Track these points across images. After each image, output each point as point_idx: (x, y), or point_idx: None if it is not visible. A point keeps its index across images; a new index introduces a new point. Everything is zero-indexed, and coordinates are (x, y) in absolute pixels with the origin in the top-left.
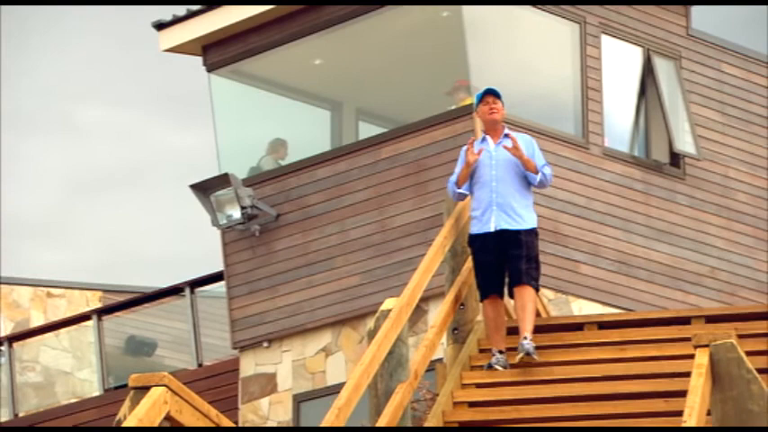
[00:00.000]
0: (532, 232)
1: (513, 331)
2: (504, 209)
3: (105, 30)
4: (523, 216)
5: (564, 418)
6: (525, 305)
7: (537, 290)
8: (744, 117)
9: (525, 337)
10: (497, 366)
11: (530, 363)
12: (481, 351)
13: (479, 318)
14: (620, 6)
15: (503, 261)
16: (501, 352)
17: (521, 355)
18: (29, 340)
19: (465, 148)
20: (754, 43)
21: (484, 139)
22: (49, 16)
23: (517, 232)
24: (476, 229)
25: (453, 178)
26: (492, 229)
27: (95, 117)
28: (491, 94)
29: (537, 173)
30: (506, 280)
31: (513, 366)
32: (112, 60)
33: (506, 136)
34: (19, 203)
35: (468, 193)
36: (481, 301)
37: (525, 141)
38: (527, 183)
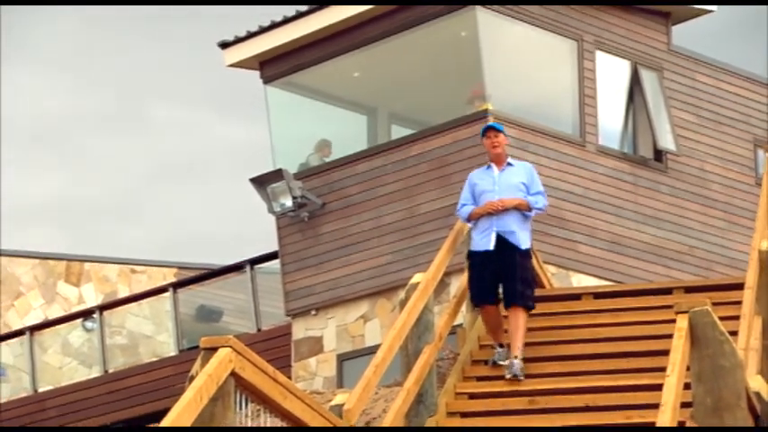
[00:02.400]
0: (527, 254)
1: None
2: (504, 231)
3: (176, 37)
4: (520, 238)
5: (563, 374)
6: (518, 327)
7: (530, 309)
8: (715, 119)
9: (516, 357)
10: (500, 362)
11: (533, 327)
12: (482, 347)
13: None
14: (612, 26)
15: (498, 277)
16: (501, 346)
17: (509, 375)
18: (116, 309)
19: (471, 176)
20: (723, 56)
21: (489, 167)
22: (122, 27)
23: (513, 252)
24: (476, 246)
25: (461, 208)
26: (491, 248)
27: (167, 116)
28: (492, 128)
29: (531, 210)
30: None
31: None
32: (182, 66)
33: (510, 165)
34: (102, 191)
35: (472, 225)
36: (474, 307)
37: (525, 169)
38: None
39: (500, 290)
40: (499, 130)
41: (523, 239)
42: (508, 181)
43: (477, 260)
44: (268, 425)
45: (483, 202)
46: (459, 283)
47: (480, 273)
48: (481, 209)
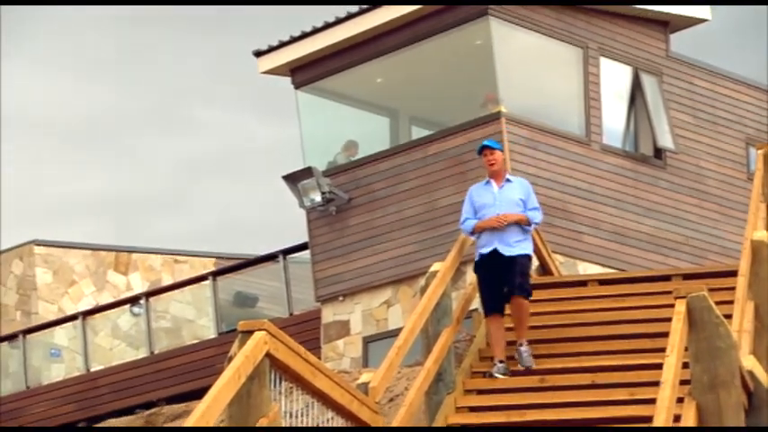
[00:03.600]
0: (527, 256)
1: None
2: (504, 242)
3: (216, 42)
4: (520, 246)
5: (571, 354)
6: (521, 316)
7: (529, 296)
8: (711, 119)
9: (521, 344)
10: (497, 375)
11: (544, 312)
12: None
13: None
14: (615, 34)
15: (501, 282)
16: (501, 362)
17: (522, 367)
18: (161, 296)
19: (471, 191)
20: (718, 62)
21: (488, 182)
22: (164, 33)
23: (514, 256)
24: (479, 256)
25: (464, 221)
26: (490, 251)
27: (207, 116)
28: (488, 147)
29: (529, 224)
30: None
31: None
32: (221, 70)
33: (508, 181)
34: (148, 186)
35: (475, 238)
36: (486, 317)
37: (522, 185)
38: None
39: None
40: (495, 148)
41: (525, 247)
42: (507, 197)
43: (482, 267)
44: (300, 402)
45: (483, 216)
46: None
47: (489, 280)
48: (484, 223)
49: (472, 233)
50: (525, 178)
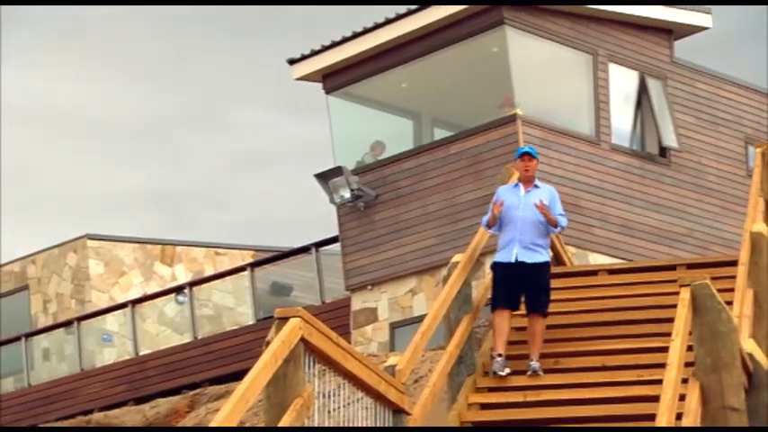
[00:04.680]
0: (546, 265)
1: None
2: (525, 245)
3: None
4: (540, 252)
5: (583, 338)
6: (536, 334)
7: (545, 315)
8: (712, 120)
9: (533, 359)
10: (499, 372)
11: (559, 299)
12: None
13: None
14: (622, 41)
15: (517, 286)
16: (500, 355)
17: (530, 372)
18: (203, 285)
19: (499, 192)
20: (718, 66)
21: (516, 185)
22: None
23: (533, 265)
24: (499, 257)
25: (485, 219)
26: (512, 260)
27: (245, 117)
28: (528, 154)
29: (556, 226)
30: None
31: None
32: (258, 73)
33: (536, 187)
34: (191, 183)
35: (496, 232)
36: (492, 311)
37: (549, 192)
38: (545, 226)
39: (522, 298)
40: (534, 156)
41: (544, 253)
42: (533, 201)
43: (500, 270)
44: (332, 383)
45: (509, 217)
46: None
47: (504, 282)
48: (497, 209)
49: (489, 227)
50: (539, 176)
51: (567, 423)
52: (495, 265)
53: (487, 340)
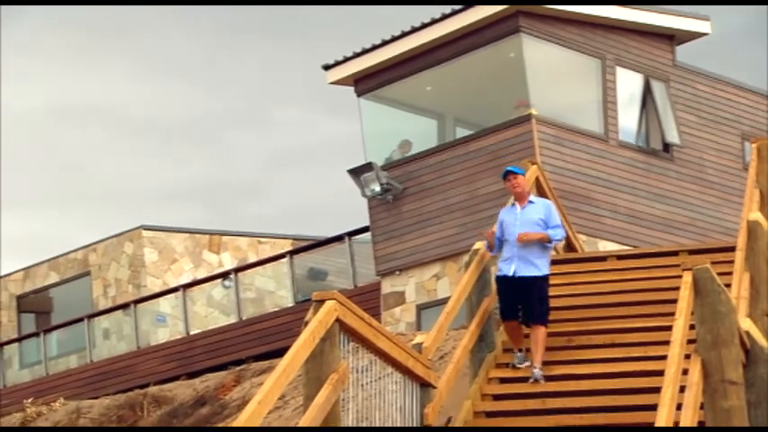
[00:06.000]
0: (543, 278)
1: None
2: (523, 260)
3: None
4: (538, 266)
5: (593, 318)
6: (538, 342)
7: (545, 325)
8: (711, 118)
9: (536, 367)
10: (519, 365)
11: (572, 282)
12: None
13: None
14: (628, 47)
15: (519, 298)
16: (520, 350)
17: (532, 380)
18: (247, 271)
19: (501, 213)
20: (717, 69)
21: (513, 205)
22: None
23: (530, 278)
24: (501, 272)
25: (487, 244)
26: (511, 274)
27: (284, 115)
28: (511, 172)
29: (550, 242)
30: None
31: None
32: (296, 75)
33: (531, 202)
34: (235, 177)
35: (499, 252)
36: (503, 321)
37: (545, 206)
38: (541, 242)
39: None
40: (517, 173)
41: (542, 267)
42: (528, 217)
43: (502, 284)
44: (364, 359)
45: (508, 235)
46: None
47: (506, 295)
48: (489, 234)
49: (491, 249)
50: (553, 170)
51: (579, 396)
52: (497, 279)
53: (501, 333)
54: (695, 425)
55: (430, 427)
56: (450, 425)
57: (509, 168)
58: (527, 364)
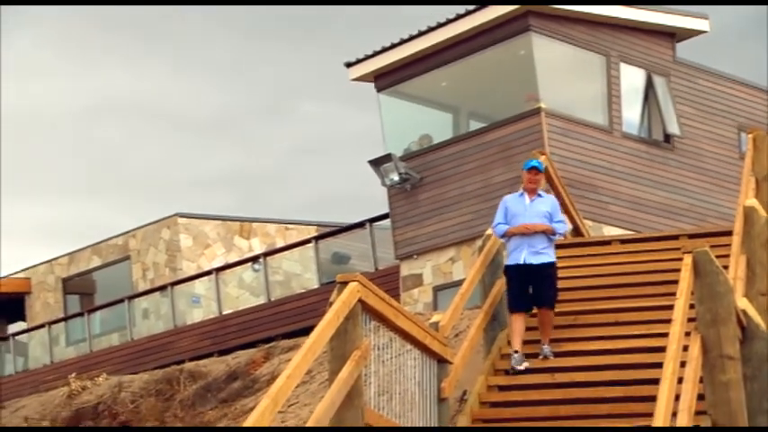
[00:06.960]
0: (551, 265)
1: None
2: (532, 249)
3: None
4: (546, 254)
5: (598, 298)
6: (545, 323)
7: (553, 307)
8: (709, 110)
9: (544, 344)
10: (517, 367)
11: (578, 265)
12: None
13: None
14: (632, 44)
15: (528, 283)
16: (516, 352)
17: (542, 356)
18: (275, 255)
19: (505, 200)
20: (715, 65)
21: (521, 194)
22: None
23: (540, 265)
24: (510, 261)
25: (496, 225)
26: (521, 262)
27: (308, 109)
28: (535, 168)
29: (554, 234)
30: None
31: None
32: (320, 71)
33: (540, 196)
34: (264, 167)
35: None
36: (510, 313)
37: (551, 201)
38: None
39: (530, 292)
40: (540, 171)
41: (549, 255)
42: (536, 209)
43: (512, 272)
44: (385, 337)
45: (514, 223)
46: None
47: (516, 283)
48: (515, 229)
49: (503, 236)
50: (561, 160)
51: (585, 371)
52: (507, 269)
53: (507, 329)
54: (695, 397)
55: (431, 427)
56: (465, 398)
57: (534, 164)
58: (526, 364)
